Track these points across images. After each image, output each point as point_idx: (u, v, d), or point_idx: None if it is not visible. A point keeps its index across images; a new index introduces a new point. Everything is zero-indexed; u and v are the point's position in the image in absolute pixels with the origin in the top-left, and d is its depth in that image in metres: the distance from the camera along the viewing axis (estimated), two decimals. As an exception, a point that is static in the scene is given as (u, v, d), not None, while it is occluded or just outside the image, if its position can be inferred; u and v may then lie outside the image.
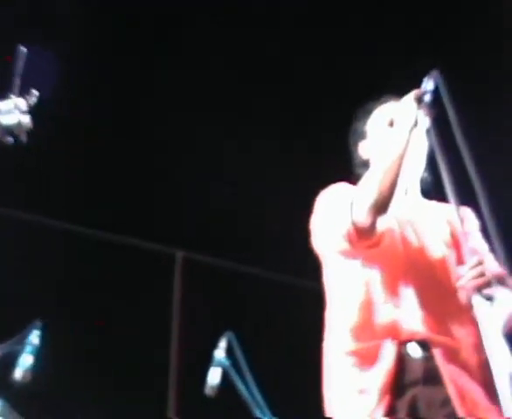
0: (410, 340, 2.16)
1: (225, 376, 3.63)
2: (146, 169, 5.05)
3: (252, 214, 5.08)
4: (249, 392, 3.53)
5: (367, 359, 2.17)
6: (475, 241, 2.40)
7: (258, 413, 3.49)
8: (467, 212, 2.44)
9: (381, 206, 2.16)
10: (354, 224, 2.17)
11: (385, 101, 2.55)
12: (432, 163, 2.39)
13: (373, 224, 2.16)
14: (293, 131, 5.11)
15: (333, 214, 2.28)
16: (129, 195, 5.02)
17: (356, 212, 2.17)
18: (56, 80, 4.02)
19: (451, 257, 2.32)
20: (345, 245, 2.23)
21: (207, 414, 4.01)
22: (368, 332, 2.20)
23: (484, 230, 2.37)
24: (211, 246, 5.17)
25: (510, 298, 2.16)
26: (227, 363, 3.66)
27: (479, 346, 2.13)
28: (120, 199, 4.98)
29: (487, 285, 1.98)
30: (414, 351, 2.15)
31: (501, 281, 2.08)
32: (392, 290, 2.23)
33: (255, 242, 5.23)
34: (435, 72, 2.22)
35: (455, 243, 2.35)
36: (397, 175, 2.17)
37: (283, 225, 4.94)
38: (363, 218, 2.16)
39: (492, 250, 2.25)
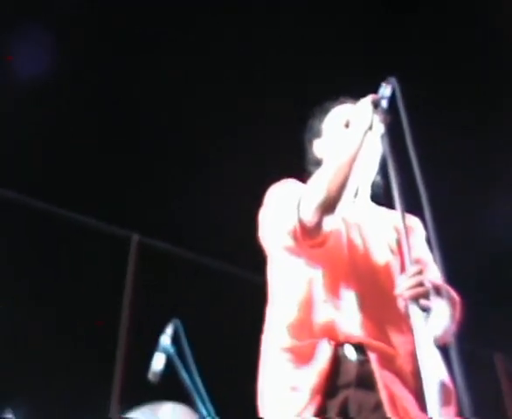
0: (346, 342, 2.15)
1: (169, 363, 3.64)
2: (108, 152, 5.03)
3: (210, 207, 5.10)
4: (191, 380, 3.54)
5: (302, 357, 2.16)
6: (420, 250, 2.42)
7: (198, 402, 3.49)
8: (415, 221, 2.46)
9: (328, 206, 2.16)
10: (300, 222, 2.16)
11: (343, 102, 2.57)
12: (384, 169, 2.41)
13: (319, 224, 2.16)
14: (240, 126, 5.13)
15: (281, 209, 2.27)
16: (90, 175, 4.99)
17: (303, 210, 2.17)
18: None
19: (395, 263, 2.33)
20: (290, 242, 2.22)
21: (149, 399, 4.00)
22: (305, 330, 2.19)
23: (429, 241, 2.41)
24: (167, 232, 5.16)
25: (446, 310, 2.17)
26: (172, 350, 3.66)
27: (414, 355, 2.11)
28: (80, 179, 4.95)
29: (425, 295, 1.98)
30: (350, 353, 2.14)
31: (439, 292, 2.10)
32: (333, 291, 2.22)
33: (212, 233, 5.24)
34: (393, 79, 2.22)
35: (401, 251, 2.33)
36: (347, 177, 2.18)
37: (238, 220, 4.96)
38: (310, 217, 2.15)
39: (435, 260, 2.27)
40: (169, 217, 5.17)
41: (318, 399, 2.08)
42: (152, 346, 3.68)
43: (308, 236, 2.18)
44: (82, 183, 5.02)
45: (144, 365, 3.61)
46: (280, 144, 4.42)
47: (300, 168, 2.60)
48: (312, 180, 2.24)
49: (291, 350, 2.19)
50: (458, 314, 2.33)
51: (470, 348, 2.20)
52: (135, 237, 5.02)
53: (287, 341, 2.21)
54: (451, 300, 2.27)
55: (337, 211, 2.19)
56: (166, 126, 5.12)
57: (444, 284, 2.12)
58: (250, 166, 4.92)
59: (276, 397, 2.19)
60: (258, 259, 2.55)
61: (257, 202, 2.49)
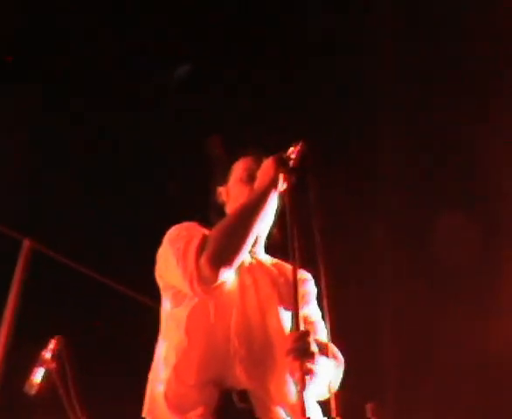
0: (232, 389, 2.20)
1: (48, 378, 3.60)
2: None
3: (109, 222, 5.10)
4: (69, 398, 3.50)
5: (188, 402, 2.19)
6: (309, 307, 2.50)
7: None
8: (307, 277, 2.54)
9: (227, 258, 2.20)
10: (197, 269, 2.19)
11: (250, 154, 2.60)
12: (280, 222, 2.48)
13: (216, 274, 2.19)
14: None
15: (179, 251, 2.28)
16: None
17: (203, 259, 2.19)
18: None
19: (286, 316, 2.38)
20: (184, 285, 2.25)
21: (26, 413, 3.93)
22: (193, 374, 2.21)
23: (318, 298, 2.50)
24: (60, 243, 5.08)
25: (329, 368, 2.24)
26: (53, 365, 3.62)
27: (296, 410, 2.15)
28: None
29: (309, 358, 2.05)
30: (235, 401, 2.19)
31: (324, 351, 2.17)
32: (223, 337, 2.26)
33: (107, 249, 5.22)
34: (303, 142, 2.30)
35: (291, 303, 2.38)
36: (249, 231, 2.23)
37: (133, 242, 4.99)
38: (208, 266, 2.18)
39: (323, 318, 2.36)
40: (66, 229, 5.11)
41: None
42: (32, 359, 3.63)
43: (204, 284, 2.21)
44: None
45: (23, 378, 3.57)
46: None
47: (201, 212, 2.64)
48: (215, 229, 2.27)
49: (177, 395, 2.21)
50: (340, 373, 2.42)
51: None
52: (27, 243, 4.91)
53: (173, 386, 2.22)
54: (335, 360, 2.35)
55: (236, 265, 2.24)
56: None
57: (329, 343, 2.21)
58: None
59: None
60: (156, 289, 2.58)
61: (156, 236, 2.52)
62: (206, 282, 2.21)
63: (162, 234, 2.47)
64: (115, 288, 5.05)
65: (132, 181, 5.18)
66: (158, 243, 2.47)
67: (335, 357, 2.36)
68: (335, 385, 2.34)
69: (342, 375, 2.44)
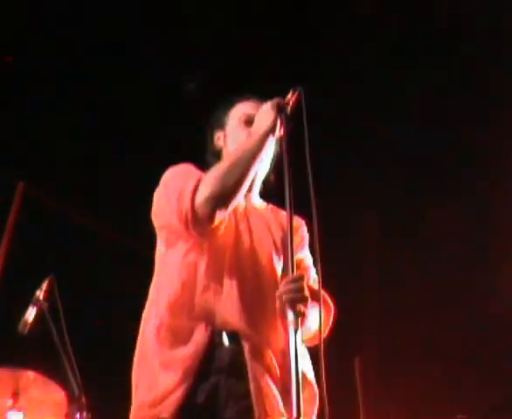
0: (223, 329, 2.24)
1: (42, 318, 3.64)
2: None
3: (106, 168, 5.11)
4: (60, 337, 3.54)
5: (179, 337, 2.23)
6: (302, 253, 2.54)
7: (66, 366, 3.49)
8: (301, 223, 2.57)
9: (223, 200, 2.23)
10: (192, 209, 2.21)
11: (248, 99, 2.62)
12: (277, 168, 2.51)
13: (212, 215, 2.22)
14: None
15: (175, 192, 2.30)
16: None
17: (198, 199, 2.21)
18: None
19: (278, 261, 2.42)
20: (179, 226, 2.27)
21: (18, 352, 3.97)
22: (185, 312, 2.25)
23: (311, 246, 2.54)
24: (56, 185, 5.11)
25: (316, 315, 2.23)
26: (46, 304, 3.66)
27: (285, 353, 2.22)
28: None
29: (302, 301, 2.08)
30: (225, 340, 2.23)
31: (314, 298, 2.20)
32: (216, 278, 2.29)
33: (101, 192, 5.24)
34: (301, 88, 2.32)
35: (284, 249, 2.44)
36: (245, 174, 2.25)
37: (130, 190, 5.00)
38: (203, 207, 2.20)
39: (315, 265, 2.39)
40: (60, 173, 5.12)
41: (189, 381, 2.16)
42: (26, 299, 3.67)
43: (199, 225, 2.23)
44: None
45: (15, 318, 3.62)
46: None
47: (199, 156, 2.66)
48: (211, 171, 2.29)
49: (168, 329, 2.25)
50: (330, 320, 2.46)
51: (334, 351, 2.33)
52: (21, 185, 4.91)
53: (166, 320, 2.26)
54: (326, 306, 2.39)
55: (231, 207, 2.27)
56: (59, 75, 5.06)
57: (320, 289, 2.25)
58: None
59: (148, 373, 2.24)
60: (147, 233, 2.60)
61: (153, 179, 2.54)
62: (201, 223, 2.23)
63: (159, 177, 2.49)
64: (109, 234, 5.08)
65: (129, 126, 5.17)
66: (154, 186, 2.50)
67: (325, 304, 2.39)
68: (325, 332, 2.37)
69: (331, 323, 2.48)
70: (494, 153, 5.13)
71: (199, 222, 2.22)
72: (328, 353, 2.14)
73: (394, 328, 5.43)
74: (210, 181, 2.24)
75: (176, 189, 2.30)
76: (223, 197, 2.23)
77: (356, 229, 5.77)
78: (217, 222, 2.26)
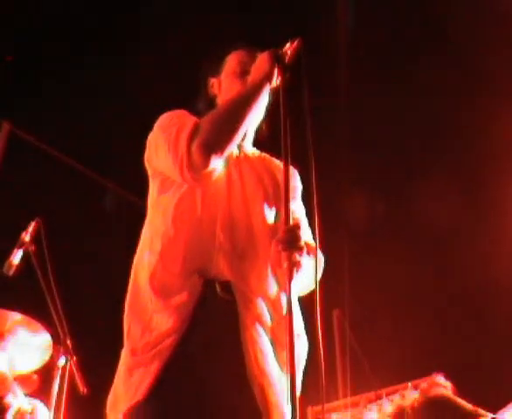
0: (215, 279, 2.25)
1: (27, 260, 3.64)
2: None
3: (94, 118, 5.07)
4: (46, 281, 3.55)
5: (171, 286, 2.23)
6: (294, 203, 2.53)
7: (49, 301, 3.49)
8: (294, 173, 2.57)
9: (219, 146, 2.22)
10: (188, 154, 2.21)
11: (243, 48, 2.60)
12: (270, 117, 2.50)
13: (205, 161, 2.21)
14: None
15: (171, 137, 2.30)
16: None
17: (194, 144, 2.21)
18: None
19: (269, 210, 2.42)
20: (174, 170, 2.27)
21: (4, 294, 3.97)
22: (177, 260, 2.25)
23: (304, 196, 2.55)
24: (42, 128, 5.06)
25: (311, 267, 2.27)
26: (32, 247, 3.66)
27: (278, 304, 2.28)
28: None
29: (298, 250, 2.09)
30: (217, 290, 2.24)
31: (308, 250, 2.22)
32: (208, 228, 2.30)
33: (91, 143, 5.21)
34: (299, 39, 2.31)
35: (276, 198, 2.45)
36: (241, 122, 2.25)
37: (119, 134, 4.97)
38: (198, 152, 2.20)
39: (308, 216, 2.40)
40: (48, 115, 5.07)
41: (183, 327, 2.17)
42: (11, 241, 3.67)
43: (193, 170, 2.23)
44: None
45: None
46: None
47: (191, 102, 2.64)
48: (207, 117, 2.29)
49: (162, 278, 2.25)
50: (320, 271, 2.48)
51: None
52: (7, 125, 4.86)
53: (158, 269, 2.26)
54: (316, 259, 2.40)
55: (225, 154, 2.27)
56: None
57: (312, 242, 2.25)
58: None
59: (141, 319, 2.24)
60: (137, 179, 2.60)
61: (144, 124, 2.52)
62: (196, 168, 2.23)
63: (151, 124, 2.48)
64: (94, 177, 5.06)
65: (120, 69, 5.11)
66: (144, 133, 2.48)
67: (316, 257, 2.39)
68: (316, 283, 2.38)
69: (321, 274, 2.49)
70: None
71: (194, 167, 2.22)
72: (306, 306, 2.18)
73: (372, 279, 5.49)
74: (206, 126, 2.24)
75: (172, 134, 2.30)
76: (218, 144, 2.22)
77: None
78: (211, 168, 2.26)
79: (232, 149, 2.35)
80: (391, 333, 5.33)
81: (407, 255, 5.44)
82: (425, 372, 4.06)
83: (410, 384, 4.10)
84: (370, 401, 4.25)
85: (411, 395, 4.01)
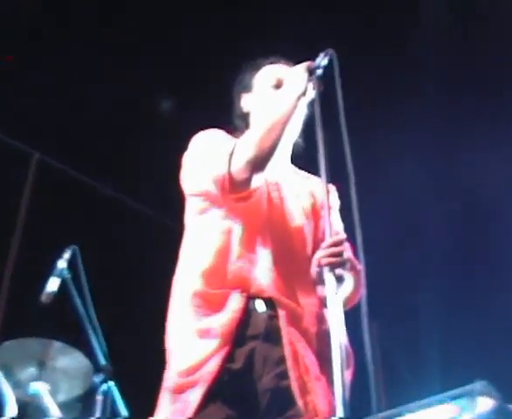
0: (257, 296, 2.24)
1: (64, 288, 3.64)
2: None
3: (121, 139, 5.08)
4: (86, 311, 3.53)
5: (214, 304, 2.22)
6: (334, 219, 2.52)
7: (91, 337, 3.48)
8: (332, 189, 2.54)
9: (260, 163, 2.22)
10: (229, 173, 2.20)
11: (276, 62, 2.61)
12: (306, 133, 2.49)
13: (248, 179, 2.21)
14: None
15: (210, 156, 2.30)
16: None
17: (235, 162, 2.20)
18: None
19: (308, 228, 2.43)
20: (215, 191, 2.27)
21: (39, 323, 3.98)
22: (219, 279, 2.25)
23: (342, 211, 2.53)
24: (70, 156, 5.07)
25: (352, 281, 2.28)
26: (68, 275, 3.66)
27: (320, 318, 2.25)
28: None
29: (342, 265, 2.07)
30: (260, 307, 2.23)
31: (350, 265, 2.18)
32: (249, 245, 2.30)
33: (116, 164, 5.21)
34: (331, 51, 2.29)
35: (314, 216, 2.47)
36: (279, 137, 2.24)
37: (151, 155, 4.97)
38: (241, 171, 2.20)
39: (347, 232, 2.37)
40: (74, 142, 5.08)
41: (227, 348, 2.16)
42: (47, 270, 3.67)
43: (235, 190, 2.23)
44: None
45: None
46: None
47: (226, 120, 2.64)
48: (246, 135, 2.29)
49: (203, 296, 2.25)
50: (361, 287, 2.44)
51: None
52: (36, 156, 4.89)
53: (200, 287, 2.26)
54: (356, 272, 2.33)
55: (266, 170, 2.26)
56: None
57: (352, 256, 2.23)
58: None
59: (184, 342, 2.23)
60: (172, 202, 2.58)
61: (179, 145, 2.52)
62: (238, 188, 2.23)
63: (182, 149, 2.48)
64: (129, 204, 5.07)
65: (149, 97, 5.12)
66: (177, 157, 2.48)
67: (358, 271, 2.36)
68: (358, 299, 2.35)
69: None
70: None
71: (236, 186, 2.22)
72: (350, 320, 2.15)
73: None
74: (246, 145, 2.23)
75: (211, 153, 2.31)
76: (260, 161, 2.22)
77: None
78: (252, 186, 2.25)
79: (271, 166, 2.33)
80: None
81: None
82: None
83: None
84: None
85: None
